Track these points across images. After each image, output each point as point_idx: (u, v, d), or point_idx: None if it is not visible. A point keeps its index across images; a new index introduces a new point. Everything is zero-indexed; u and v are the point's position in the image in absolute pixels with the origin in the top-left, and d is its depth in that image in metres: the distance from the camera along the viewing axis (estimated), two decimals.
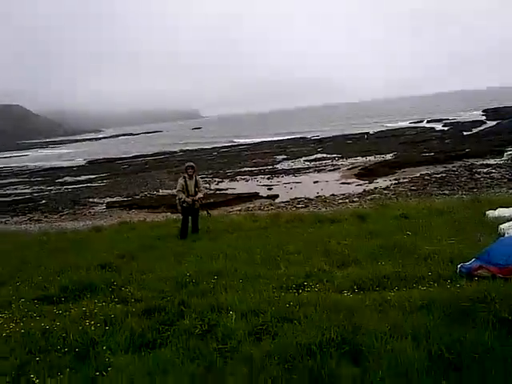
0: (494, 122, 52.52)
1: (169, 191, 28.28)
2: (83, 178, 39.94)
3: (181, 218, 10.86)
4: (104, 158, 59.47)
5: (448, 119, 67.56)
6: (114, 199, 26.94)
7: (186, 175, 10.36)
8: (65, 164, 57.69)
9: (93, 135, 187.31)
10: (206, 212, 11.18)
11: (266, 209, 20.14)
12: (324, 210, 17.07)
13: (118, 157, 60.40)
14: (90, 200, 27.20)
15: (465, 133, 45.00)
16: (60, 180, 39.63)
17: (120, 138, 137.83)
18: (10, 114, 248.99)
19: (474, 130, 46.95)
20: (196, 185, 10.44)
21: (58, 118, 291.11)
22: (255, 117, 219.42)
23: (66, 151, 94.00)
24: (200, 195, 10.50)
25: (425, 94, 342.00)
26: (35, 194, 32.05)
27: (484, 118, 64.23)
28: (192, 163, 10.71)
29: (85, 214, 23.03)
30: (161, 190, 28.85)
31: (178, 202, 10.49)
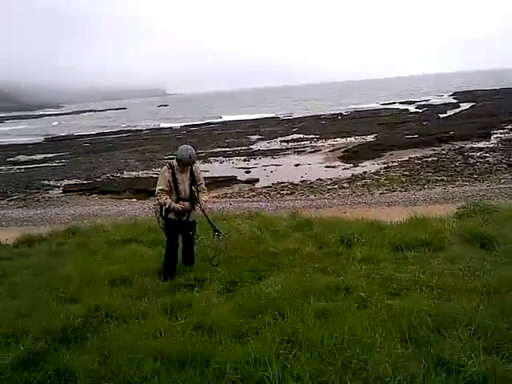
0: (468, 105, 52.07)
1: (134, 173, 25.74)
2: (39, 157, 36.29)
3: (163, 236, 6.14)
4: (64, 135, 55.35)
5: (418, 101, 66.95)
6: (72, 182, 24.03)
7: (176, 164, 5.69)
8: (19, 141, 53.16)
9: (52, 111, 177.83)
10: (214, 233, 5.90)
11: (246, 195, 18.00)
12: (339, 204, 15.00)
13: (80, 134, 56.38)
14: (45, 183, 24.10)
15: (441, 115, 44.04)
16: (12, 159, 35.83)
17: (82, 114, 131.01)
18: None
19: (450, 113, 46.02)
20: (193, 181, 5.81)
21: (14, 91, 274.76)
22: (222, 95, 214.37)
23: (22, 127, 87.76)
24: (204, 198, 5.88)
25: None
26: None
27: (456, 101, 63.77)
28: (190, 147, 5.71)
29: (37, 200, 20.06)
30: (125, 172, 26.13)
31: (158, 209, 5.89)
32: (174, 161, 5.69)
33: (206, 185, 6.00)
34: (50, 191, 22.16)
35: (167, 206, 5.63)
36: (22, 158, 36.33)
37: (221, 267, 5.70)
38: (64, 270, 6.21)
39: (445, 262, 5.41)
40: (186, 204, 5.71)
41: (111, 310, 4.58)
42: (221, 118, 66.97)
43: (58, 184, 23.72)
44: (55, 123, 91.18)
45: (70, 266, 6.47)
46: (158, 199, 5.75)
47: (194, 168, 5.80)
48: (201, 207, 5.80)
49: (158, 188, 5.70)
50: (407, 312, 3.98)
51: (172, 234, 5.83)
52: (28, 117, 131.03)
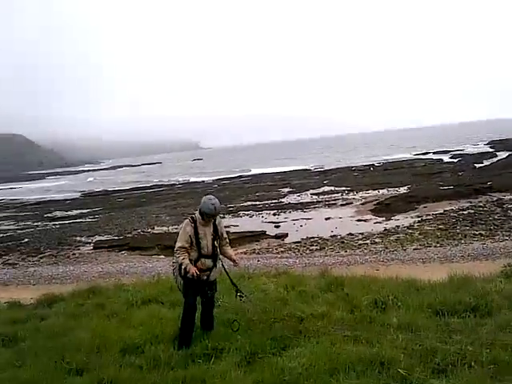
0: (506, 154, 50.63)
1: (164, 228, 25.88)
2: (74, 212, 37.39)
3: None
4: (99, 191, 57.19)
5: (453, 151, 65.64)
6: (104, 238, 24.35)
7: (199, 217, 5.27)
8: (58, 197, 55.21)
9: (91, 166, 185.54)
10: (236, 294, 5.52)
11: (275, 251, 17.61)
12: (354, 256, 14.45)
13: (115, 189, 58.14)
14: (77, 239, 24.57)
15: (477, 165, 42.89)
16: (49, 215, 37.00)
17: (118, 169, 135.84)
18: (11, 144, 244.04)
19: (486, 163, 44.81)
20: (216, 235, 5.34)
21: (59, 148, 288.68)
22: (255, 147, 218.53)
23: (62, 183, 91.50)
24: (231, 253, 5.53)
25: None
26: (19, 231, 29.38)
27: (492, 149, 62.20)
28: (213, 197, 5.32)
29: (68, 257, 20.35)
30: (156, 227, 26.33)
31: (176, 268, 5.36)
32: (197, 214, 5.25)
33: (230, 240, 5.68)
34: (81, 247, 22.49)
35: (183, 267, 5.14)
36: (58, 213, 37.44)
37: (242, 333, 5.17)
38: (76, 335, 5.87)
39: (494, 330, 4.67)
40: (208, 262, 5.23)
41: None
42: (250, 170, 67.87)
43: (90, 240, 24.09)
44: (90, 179, 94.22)
45: (83, 330, 6.13)
46: (176, 257, 5.27)
47: (217, 222, 5.35)
48: (235, 262, 5.49)
49: (177, 245, 5.22)
50: None
51: (190, 296, 5.28)
52: (68, 173, 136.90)
